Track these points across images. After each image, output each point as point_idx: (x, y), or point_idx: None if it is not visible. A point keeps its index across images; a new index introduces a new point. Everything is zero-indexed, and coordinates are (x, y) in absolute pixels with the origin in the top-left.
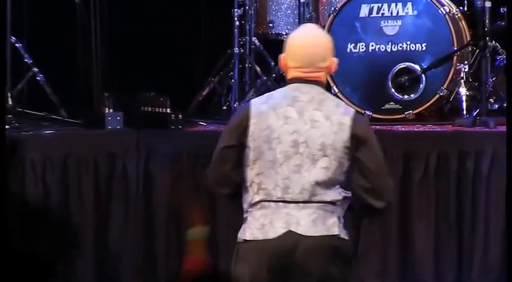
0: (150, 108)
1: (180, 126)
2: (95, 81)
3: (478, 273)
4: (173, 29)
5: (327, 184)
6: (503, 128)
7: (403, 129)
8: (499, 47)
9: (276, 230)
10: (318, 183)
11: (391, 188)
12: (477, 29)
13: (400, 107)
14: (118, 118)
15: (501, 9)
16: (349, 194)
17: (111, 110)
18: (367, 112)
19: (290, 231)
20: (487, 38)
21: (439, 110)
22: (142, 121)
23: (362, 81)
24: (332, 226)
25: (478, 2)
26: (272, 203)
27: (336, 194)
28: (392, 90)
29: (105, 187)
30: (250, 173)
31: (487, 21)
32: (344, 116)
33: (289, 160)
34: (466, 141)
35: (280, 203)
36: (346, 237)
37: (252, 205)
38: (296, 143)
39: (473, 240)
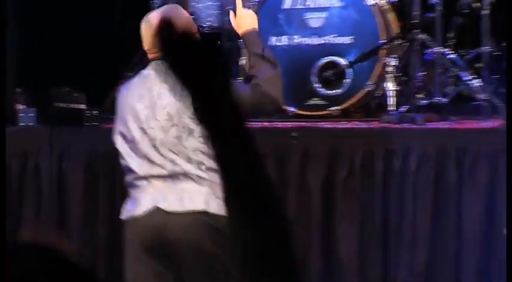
0: (64, 104)
1: (95, 123)
2: (7, 76)
3: (404, 276)
4: (89, 23)
5: (186, 155)
6: (432, 125)
7: (328, 126)
8: (429, 40)
9: (143, 207)
10: (176, 154)
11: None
12: (406, 21)
13: (325, 103)
14: (31, 114)
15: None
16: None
17: (23, 106)
18: (291, 108)
19: (158, 207)
20: (416, 30)
21: (365, 106)
22: (56, 118)
23: (285, 75)
24: (200, 201)
25: None
26: (139, 181)
27: (199, 165)
28: (317, 85)
29: (17, 185)
30: (121, 155)
31: (416, 13)
32: None
33: (145, 136)
34: (393, 138)
35: (146, 180)
36: (217, 213)
37: (127, 185)
38: (148, 118)
39: (400, 242)
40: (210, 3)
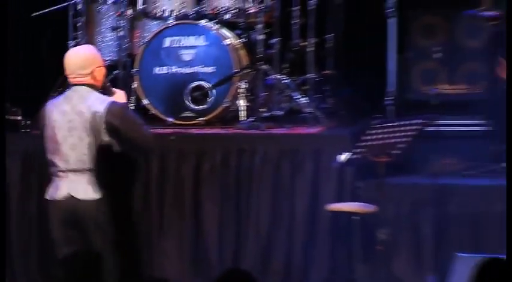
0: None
1: (28, 130)
2: None
3: (251, 245)
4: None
5: (86, 157)
6: (272, 131)
7: (196, 131)
8: (270, 70)
9: (61, 193)
10: (84, 156)
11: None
12: (253, 56)
13: (194, 115)
14: None
15: (272, 40)
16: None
17: None
18: (170, 119)
19: (71, 195)
20: (260, 62)
21: (223, 117)
22: None
23: (165, 95)
24: (93, 192)
25: (253, 35)
26: (60, 173)
27: (89, 165)
28: (188, 102)
29: None
30: (48, 152)
31: (260, 49)
32: (101, 105)
33: (67, 141)
34: (243, 141)
35: (64, 173)
36: (99, 199)
37: (52, 174)
38: (71, 128)
39: (248, 219)
40: (111, 42)
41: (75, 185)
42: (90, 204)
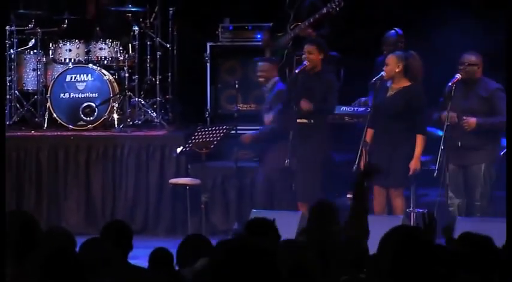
0: None
1: None
2: None
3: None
4: None
5: None
6: (135, 133)
7: (87, 134)
8: (132, 95)
9: None
10: None
11: None
12: (122, 86)
13: (86, 123)
14: None
15: (133, 77)
16: None
17: None
18: (70, 125)
19: None
20: (126, 90)
21: (104, 125)
22: None
23: (67, 111)
24: None
25: (122, 74)
26: None
27: None
28: (82, 115)
29: None
30: None
31: (126, 82)
32: None
33: None
34: (117, 139)
35: None
36: None
37: None
38: None
39: (120, 196)
40: (33, 78)
41: None
42: None
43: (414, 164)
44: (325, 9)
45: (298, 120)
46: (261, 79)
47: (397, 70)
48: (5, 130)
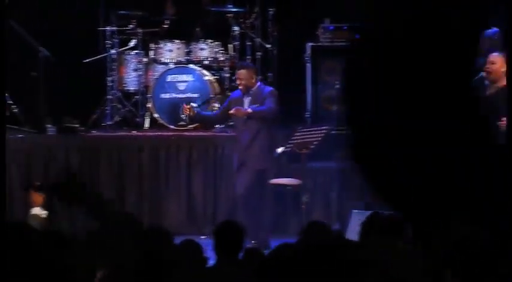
0: None
1: None
2: None
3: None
4: None
5: None
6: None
7: (187, 134)
8: None
9: None
10: None
11: None
12: (222, 86)
13: (185, 123)
14: None
15: (234, 77)
16: None
17: None
18: (171, 126)
19: None
20: (227, 90)
21: (204, 125)
22: None
23: (168, 110)
24: None
25: (222, 74)
26: None
27: None
28: (183, 116)
29: None
30: None
31: (226, 82)
32: None
33: None
34: (218, 140)
35: None
36: None
37: None
38: None
39: (221, 195)
40: (134, 78)
41: None
42: None
43: None
44: None
45: None
46: (240, 87)
47: (503, 70)
48: (5, 130)
